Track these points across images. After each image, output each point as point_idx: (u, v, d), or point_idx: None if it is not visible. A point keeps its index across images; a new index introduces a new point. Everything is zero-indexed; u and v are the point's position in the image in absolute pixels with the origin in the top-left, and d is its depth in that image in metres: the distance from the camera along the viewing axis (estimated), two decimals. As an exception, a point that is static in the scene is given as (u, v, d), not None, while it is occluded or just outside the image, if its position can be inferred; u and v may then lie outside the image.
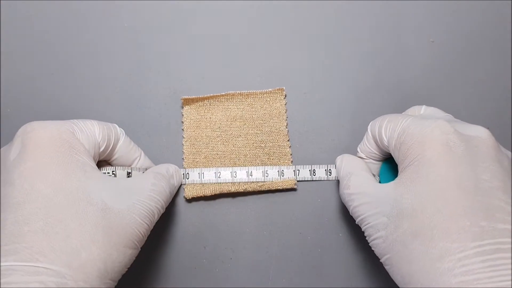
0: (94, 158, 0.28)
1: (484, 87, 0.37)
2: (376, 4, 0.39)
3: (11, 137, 0.26)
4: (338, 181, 0.35)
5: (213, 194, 0.34)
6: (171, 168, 0.33)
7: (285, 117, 0.36)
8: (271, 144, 0.35)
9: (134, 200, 0.26)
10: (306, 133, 0.36)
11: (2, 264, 0.21)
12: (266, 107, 0.36)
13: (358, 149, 0.33)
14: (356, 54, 0.38)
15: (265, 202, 0.35)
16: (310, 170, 0.34)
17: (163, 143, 0.36)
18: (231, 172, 0.34)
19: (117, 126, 0.31)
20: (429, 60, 0.38)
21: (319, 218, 0.34)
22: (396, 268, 0.25)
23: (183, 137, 0.36)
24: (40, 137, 0.25)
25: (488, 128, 0.26)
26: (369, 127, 0.31)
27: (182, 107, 0.36)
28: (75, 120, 0.28)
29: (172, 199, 0.34)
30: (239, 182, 0.34)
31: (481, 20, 0.39)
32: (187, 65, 0.37)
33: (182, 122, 0.36)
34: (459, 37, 0.38)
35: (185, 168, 0.35)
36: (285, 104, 0.36)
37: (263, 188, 0.34)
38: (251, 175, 0.34)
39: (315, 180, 0.35)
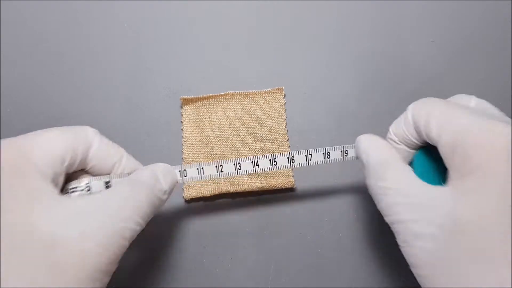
0: (56, 176, 0.24)
1: (484, 87, 0.37)
2: (376, 4, 0.39)
3: (11, 137, 0.26)
4: (338, 181, 0.35)
5: (212, 194, 0.34)
6: (159, 169, 0.27)
7: (284, 117, 0.36)
8: (270, 144, 0.35)
9: (92, 223, 0.22)
10: (306, 133, 0.36)
11: None
12: (265, 107, 0.36)
13: (391, 130, 0.28)
14: (356, 54, 0.38)
15: (265, 202, 0.35)
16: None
17: (162, 143, 0.36)
18: (234, 164, 0.30)
19: (89, 130, 0.27)
20: (429, 60, 0.38)
21: (319, 218, 0.34)
22: (437, 286, 0.22)
23: (183, 137, 0.36)
24: None
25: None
26: (411, 110, 0.27)
27: (182, 107, 0.36)
28: (33, 133, 0.25)
29: (171, 199, 0.34)
30: (238, 182, 0.34)
31: (481, 20, 0.39)
32: (187, 65, 0.37)
33: (182, 122, 0.36)
34: (459, 37, 0.38)
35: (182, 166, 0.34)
36: (284, 104, 0.36)
37: (262, 189, 0.34)
38: (257, 165, 0.30)
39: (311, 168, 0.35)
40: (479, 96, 0.37)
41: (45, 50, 0.37)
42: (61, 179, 0.25)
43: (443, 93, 0.37)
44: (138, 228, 0.24)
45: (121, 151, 0.28)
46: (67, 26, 0.38)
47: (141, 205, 0.24)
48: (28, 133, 0.25)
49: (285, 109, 0.36)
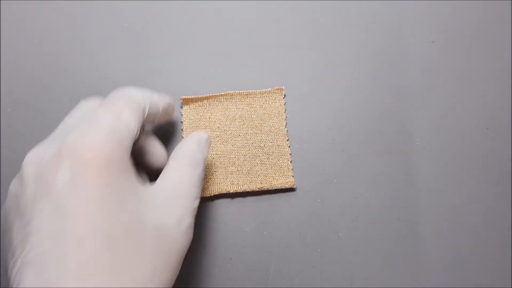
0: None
1: (484, 87, 0.37)
2: (376, 4, 0.39)
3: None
4: (338, 181, 0.35)
5: (211, 195, 0.34)
6: (201, 139, 0.29)
7: (284, 117, 0.36)
8: (270, 144, 0.35)
9: (179, 208, 0.24)
10: (306, 133, 0.36)
11: None
12: (265, 106, 0.36)
13: None
14: (355, 53, 0.38)
15: (265, 202, 0.35)
16: None
17: (163, 143, 0.36)
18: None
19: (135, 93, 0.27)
20: (429, 60, 0.38)
21: (319, 218, 0.34)
22: None
23: (182, 137, 0.36)
24: (93, 160, 0.22)
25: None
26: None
27: (182, 107, 0.36)
28: (118, 124, 0.24)
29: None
30: (238, 182, 0.34)
31: (481, 20, 0.39)
32: (187, 65, 0.37)
33: (182, 122, 0.36)
34: (459, 37, 0.38)
35: None
36: (284, 104, 0.36)
37: (262, 189, 0.34)
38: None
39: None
40: (480, 96, 0.37)
41: (45, 50, 0.37)
42: None
43: (443, 93, 0.37)
44: (198, 202, 0.27)
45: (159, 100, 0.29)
46: (67, 26, 0.38)
47: (199, 180, 0.27)
48: (112, 123, 0.24)
49: (285, 109, 0.36)
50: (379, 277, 0.33)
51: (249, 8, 0.39)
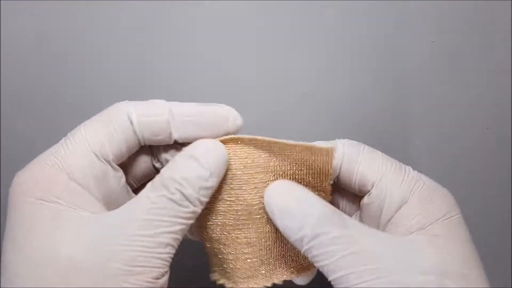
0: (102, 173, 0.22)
1: (484, 87, 0.37)
2: (376, 4, 0.39)
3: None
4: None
5: None
6: (196, 151, 0.22)
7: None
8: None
9: (119, 242, 0.20)
10: (306, 132, 0.36)
11: None
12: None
13: None
14: (355, 53, 0.38)
15: (265, 202, 0.35)
16: None
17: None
18: None
19: (123, 112, 0.23)
20: (429, 60, 0.38)
21: (319, 218, 0.34)
22: None
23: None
24: (12, 195, 0.22)
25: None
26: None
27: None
28: (59, 145, 0.23)
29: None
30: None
31: (481, 20, 0.39)
32: (187, 66, 0.37)
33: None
34: (459, 37, 0.38)
35: None
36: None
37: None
38: None
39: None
40: (480, 96, 0.37)
41: (45, 50, 0.37)
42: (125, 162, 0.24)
43: (443, 93, 0.37)
44: (178, 236, 0.21)
45: (163, 111, 0.23)
46: (67, 26, 0.38)
47: (168, 212, 0.21)
48: (53, 148, 0.23)
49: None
50: (379, 277, 0.33)
51: (249, 9, 0.39)
